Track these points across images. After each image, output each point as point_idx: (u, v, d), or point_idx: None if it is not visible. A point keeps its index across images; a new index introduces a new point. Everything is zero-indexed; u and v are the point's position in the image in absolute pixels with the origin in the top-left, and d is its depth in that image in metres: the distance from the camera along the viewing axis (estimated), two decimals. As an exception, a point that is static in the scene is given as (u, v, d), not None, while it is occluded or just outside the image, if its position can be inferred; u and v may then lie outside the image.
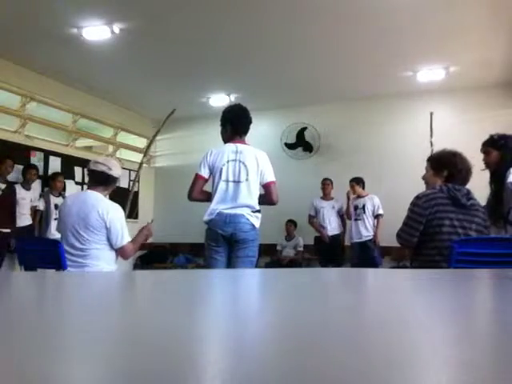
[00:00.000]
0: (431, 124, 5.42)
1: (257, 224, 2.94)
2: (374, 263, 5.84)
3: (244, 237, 2.88)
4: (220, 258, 2.92)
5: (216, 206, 2.92)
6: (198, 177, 3.01)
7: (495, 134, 3.02)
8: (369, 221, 6.09)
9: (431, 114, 5.49)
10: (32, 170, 5.73)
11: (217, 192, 2.93)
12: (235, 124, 3.04)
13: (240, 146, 2.99)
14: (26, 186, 5.63)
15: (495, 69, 6.01)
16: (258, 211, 2.95)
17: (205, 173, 2.99)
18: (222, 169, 2.94)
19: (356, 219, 6.17)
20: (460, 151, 2.61)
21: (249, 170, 2.92)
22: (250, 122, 3.07)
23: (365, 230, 6.08)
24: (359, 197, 6.19)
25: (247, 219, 2.89)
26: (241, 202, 2.90)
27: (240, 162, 2.94)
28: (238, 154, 2.95)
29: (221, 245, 2.92)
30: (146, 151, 6.04)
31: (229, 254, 2.94)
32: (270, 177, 2.97)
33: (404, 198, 4.86)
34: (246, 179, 2.91)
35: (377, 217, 6.09)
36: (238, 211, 2.89)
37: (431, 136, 5.43)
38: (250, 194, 2.91)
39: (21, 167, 5.83)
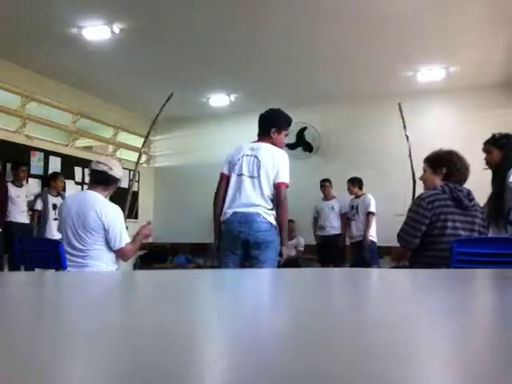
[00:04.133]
0: (402, 116, 5.15)
1: (274, 222, 2.82)
2: (365, 264, 5.76)
3: (264, 238, 2.77)
4: (235, 260, 2.81)
5: (231, 205, 2.85)
6: (220, 176, 2.99)
7: (497, 133, 3.01)
8: (361, 221, 6.05)
9: (399, 104, 5.18)
10: (24, 167, 5.70)
11: (230, 187, 2.88)
12: (258, 125, 3.04)
13: (260, 143, 2.95)
14: (18, 183, 5.61)
15: (495, 69, 6.01)
16: (273, 209, 2.85)
17: (226, 170, 2.96)
18: (236, 163, 2.90)
19: (351, 219, 6.19)
20: (456, 150, 2.61)
21: (261, 165, 2.84)
22: (264, 123, 3.01)
23: (356, 229, 6.08)
24: (356, 197, 6.18)
25: (264, 217, 2.78)
26: (254, 201, 2.80)
27: (255, 157, 2.88)
28: (255, 150, 2.91)
29: (238, 247, 2.80)
30: (144, 142, 6.00)
31: (247, 257, 2.81)
32: (282, 177, 2.85)
33: (405, 198, 4.88)
34: (259, 175, 2.83)
35: (367, 215, 5.99)
36: (253, 210, 2.78)
37: (404, 129, 5.18)
38: (263, 193, 2.82)
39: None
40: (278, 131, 2.97)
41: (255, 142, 3.00)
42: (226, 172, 2.96)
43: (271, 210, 2.84)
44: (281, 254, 2.87)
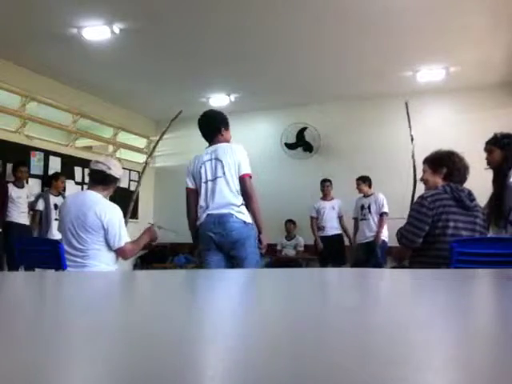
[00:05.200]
0: (408, 116, 5.03)
1: (248, 219, 2.88)
2: (377, 264, 5.73)
3: (237, 235, 2.83)
4: (215, 260, 2.87)
5: (204, 209, 2.91)
6: (187, 190, 3.05)
7: (499, 133, 3.01)
8: (374, 221, 5.92)
9: (406, 103, 4.99)
10: (23, 167, 5.70)
11: (201, 195, 2.95)
12: (202, 134, 3.15)
13: (216, 145, 3.02)
14: (19, 184, 5.61)
15: (495, 69, 6.01)
16: (243, 205, 2.91)
17: (191, 183, 3.03)
18: (200, 171, 2.97)
19: (362, 219, 6.03)
20: (456, 150, 2.62)
21: (224, 164, 2.91)
22: (211, 122, 3.10)
23: (368, 230, 5.94)
24: (365, 196, 6.06)
25: (236, 217, 2.85)
26: (224, 200, 2.87)
27: (215, 159, 2.95)
28: (213, 153, 2.98)
29: (214, 248, 2.87)
30: (151, 153, 6.02)
31: (227, 257, 2.88)
32: (244, 169, 2.93)
33: (405, 199, 4.88)
34: (223, 173, 2.90)
35: (381, 215, 5.87)
36: (225, 210, 2.85)
37: (410, 129, 5.06)
38: (231, 189, 2.89)
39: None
40: (225, 129, 3.10)
41: (209, 146, 3.07)
42: (190, 186, 3.03)
43: (242, 205, 2.91)
44: (260, 242, 2.94)
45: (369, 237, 5.94)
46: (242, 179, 2.93)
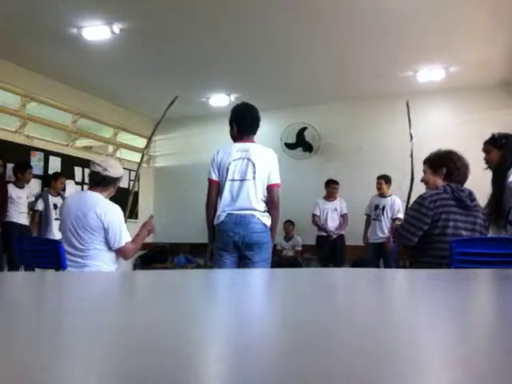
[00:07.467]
0: (408, 114, 5.05)
1: (268, 223, 2.83)
2: (387, 265, 5.66)
3: (257, 239, 2.77)
4: (230, 261, 2.82)
5: (225, 208, 2.82)
6: (210, 182, 2.92)
7: (496, 133, 3.02)
8: (386, 223, 5.86)
9: (407, 102, 4.93)
10: (29, 169, 5.67)
11: (224, 192, 2.84)
12: (240, 123, 2.95)
13: (248, 144, 2.89)
14: (19, 184, 5.59)
15: (495, 69, 6.01)
16: (266, 211, 2.85)
17: (215, 175, 2.89)
18: (228, 168, 2.84)
19: (374, 219, 5.98)
20: (455, 150, 2.62)
21: (256, 168, 2.81)
22: (257, 121, 2.97)
23: (380, 231, 5.88)
24: (381, 196, 5.98)
25: (258, 219, 2.78)
26: (248, 204, 2.79)
27: (248, 160, 2.82)
28: (245, 152, 2.85)
29: (232, 248, 2.80)
30: (147, 143, 6.00)
31: (241, 258, 2.82)
32: (275, 178, 2.86)
33: (403, 199, 4.88)
34: (254, 177, 2.80)
35: (394, 220, 5.71)
36: (248, 212, 2.78)
37: (410, 127, 5.07)
38: (257, 195, 2.81)
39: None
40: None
41: (242, 142, 2.92)
42: (215, 178, 2.90)
43: (265, 212, 2.84)
44: None
45: (380, 238, 5.88)
46: (271, 188, 2.84)
